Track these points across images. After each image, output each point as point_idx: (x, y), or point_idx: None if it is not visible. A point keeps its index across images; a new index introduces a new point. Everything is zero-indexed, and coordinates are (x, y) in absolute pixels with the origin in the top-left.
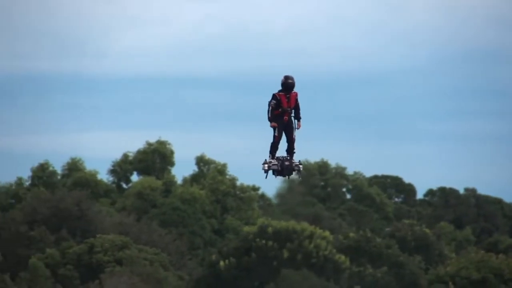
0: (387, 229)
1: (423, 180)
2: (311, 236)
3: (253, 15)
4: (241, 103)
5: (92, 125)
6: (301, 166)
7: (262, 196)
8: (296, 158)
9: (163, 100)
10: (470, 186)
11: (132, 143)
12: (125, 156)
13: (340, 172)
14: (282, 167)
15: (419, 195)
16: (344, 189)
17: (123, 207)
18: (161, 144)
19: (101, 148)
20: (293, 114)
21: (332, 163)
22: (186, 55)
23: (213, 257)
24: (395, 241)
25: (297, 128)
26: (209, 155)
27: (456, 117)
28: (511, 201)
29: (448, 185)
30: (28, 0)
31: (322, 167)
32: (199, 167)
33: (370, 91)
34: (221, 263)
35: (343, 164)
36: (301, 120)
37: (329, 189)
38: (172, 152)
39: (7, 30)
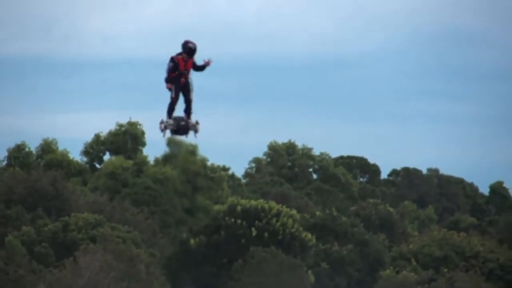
0: (352, 208)
1: (387, 160)
2: (278, 215)
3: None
4: (210, 85)
5: (67, 107)
6: (198, 125)
7: (232, 176)
8: (199, 120)
9: (135, 82)
10: (433, 166)
11: (107, 124)
12: (97, 137)
13: (306, 153)
14: (178, 127)
15: (383, 175)
16: (310, 170)
17: (96, 187)
18: (132, 125)
19: (76, 129)
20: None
21: (299, 144)
22: (157, 39)
23: (184, 235)
24: (360, 220)
25: (208, 64)
26: None
27: (421, 98)
28: (472, 181)
29: (411, 165)
30: None
31: (290, 148)
32: (170, 148)
33: (336, 73)
34: (192, 241)
35: (309, 145)
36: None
37: (296, 169)
38: (143, 133)
39: None
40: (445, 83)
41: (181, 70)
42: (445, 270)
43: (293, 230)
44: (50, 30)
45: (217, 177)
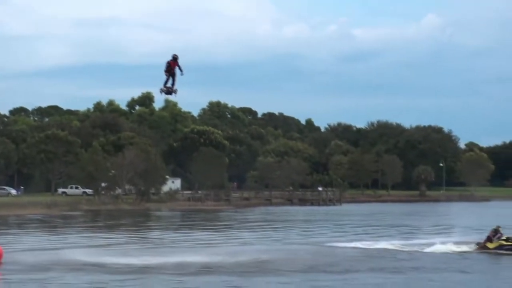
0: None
1: None
2: (213, 133)
3: None
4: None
5: None
6: (177, 91)
7: (192, 116)
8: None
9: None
10: None
11: None
12: None
13: None
14: (168, 91)
15: None
16: None
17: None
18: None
19: None
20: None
21: None
22: None
23: (171, 140)
24: None
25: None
26: None
27: None
28: None
29: None
30: None
31: None
32: (166, 101)
33: None
34: (174, 144)
35: None
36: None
37: None
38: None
39: None
40: None
41: (171, 68)
42: None
43: (218, 139)
44: None
45: (185, 115)
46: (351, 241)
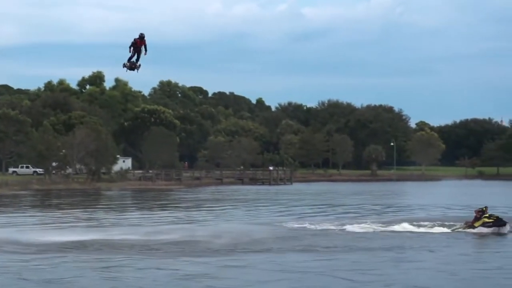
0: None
1: None
2: (164, 112)
3: None
4: None
5: None
6: (139, 66)
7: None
8: None
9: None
10: None
11: None
12: None
13: None
14: (131, 66)
15: None
16: None
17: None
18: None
19: None
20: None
21: None
22: None
23: (122, 120)
24: None
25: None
26: None
27: None
28: None
29: None
30: None
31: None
32: (116, 82)
33: None
34: (125, 124)
35: None
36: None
37: None
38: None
39: None
40: None
41: (137, 46)
42: None
43: (169, 119)
44: None
45: (136, 95)
46: (296, 220)
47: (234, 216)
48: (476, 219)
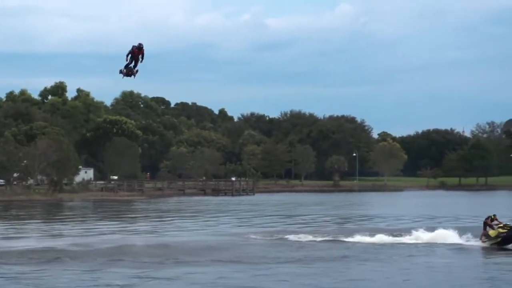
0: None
1: None
2: (126, 122)
3: None
4: None
5: None
6: (137, 71)
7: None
8: None
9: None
10: None
11: None
12: None
13: None
14: (128, 72)
15: None
16: None
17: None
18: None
19: None
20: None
21: None
22: None
23: (84, 131)
24: None
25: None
26: None
27: None
28: None
29: None
30: None
31: None
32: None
33: None
34: (87, 134)
35: None
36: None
37: None
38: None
39: None
40: None
41: (135, 54)
42: None
43: (131, 129)
44: None
45: (98, 105)
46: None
47: (183, 228)
48: (488, 226)
